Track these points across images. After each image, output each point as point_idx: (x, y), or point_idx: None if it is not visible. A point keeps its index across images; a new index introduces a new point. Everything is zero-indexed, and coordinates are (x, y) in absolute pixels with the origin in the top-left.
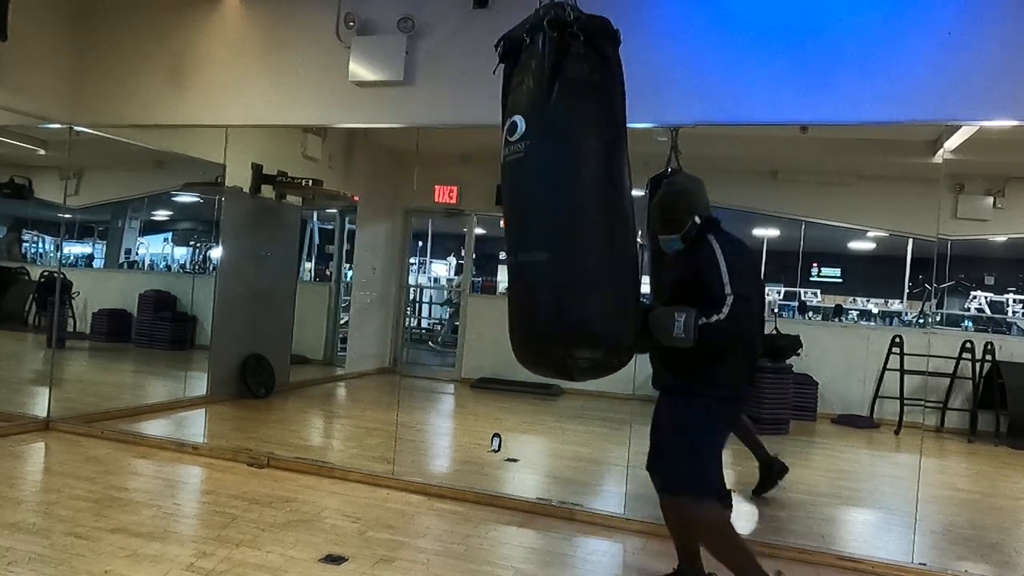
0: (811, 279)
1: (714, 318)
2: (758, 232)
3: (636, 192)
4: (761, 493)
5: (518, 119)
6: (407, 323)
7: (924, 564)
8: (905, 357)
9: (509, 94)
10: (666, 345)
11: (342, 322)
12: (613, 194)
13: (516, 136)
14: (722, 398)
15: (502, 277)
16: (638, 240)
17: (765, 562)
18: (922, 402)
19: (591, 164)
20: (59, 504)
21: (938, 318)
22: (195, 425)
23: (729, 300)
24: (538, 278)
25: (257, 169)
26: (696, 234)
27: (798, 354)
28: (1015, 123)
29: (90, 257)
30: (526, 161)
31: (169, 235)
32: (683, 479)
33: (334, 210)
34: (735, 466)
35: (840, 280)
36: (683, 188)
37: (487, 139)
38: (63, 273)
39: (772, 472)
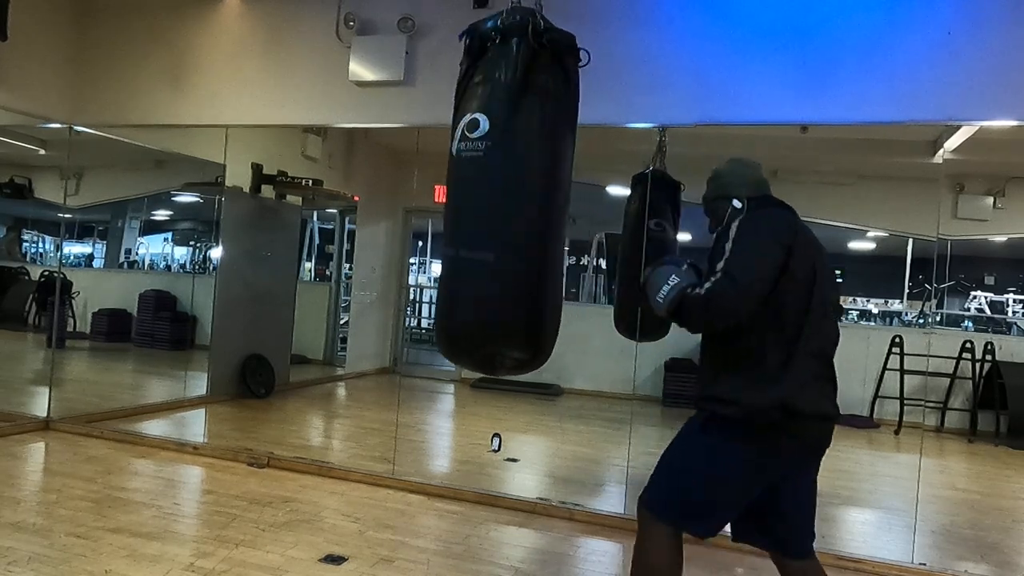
0: None
1: (695, 291)
2: None
3: (622, 190)
4: None
5: (480, 117)
6: (407, 323)
7: (924, 564)
8: (905, 357)
9: (468, 89)
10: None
11: (342, 322)
12: (555, 207)
13: (476, 134)
14: (724, 416)
15: None
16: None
17: (765, 562)
18: (922, 402)
19: (544, 175)
20: (59, 504)
21: (938, 318)
22: (195, 425)
23: (716, 277)
24: (483, 277)
25: (257, 169)
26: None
27: None
28: (1015, 123)
29: (90, 257)
30: (485, 161)
31: (169, 235)
32: (651, 494)
33: (334, 210)
34: None
35: (840, 280)
36: (715, 173)
37: None
38: (63, 273)
39: None
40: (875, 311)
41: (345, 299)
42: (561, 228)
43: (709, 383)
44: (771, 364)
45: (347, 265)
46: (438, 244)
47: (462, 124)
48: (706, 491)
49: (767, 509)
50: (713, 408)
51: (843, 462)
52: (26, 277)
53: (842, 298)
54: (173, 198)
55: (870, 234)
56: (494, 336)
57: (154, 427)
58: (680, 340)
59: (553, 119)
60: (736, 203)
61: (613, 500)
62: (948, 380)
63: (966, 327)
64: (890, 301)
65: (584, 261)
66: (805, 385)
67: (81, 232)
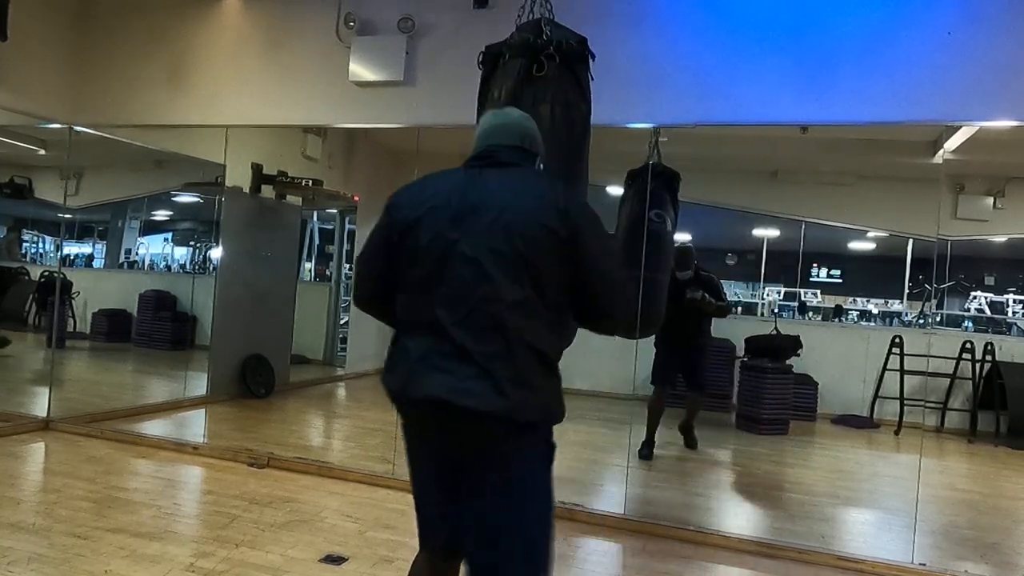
0: (811, 279)
1: None
2: (758, 232)
3: (622, 191)
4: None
5: None
6: None
7: (924, 564)
8: (905, 357)
9: (485, 106)
10: None
11: (342, 322)
12: None
13: None
14: None
15: None
16: None
17: (765, 562)
18: (922, 402)
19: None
20: (59, 504)
21: (938, 318)
22: (195, 425)
23: None
24: None
25: (257, 169)
26: None
27: (798, 354)
28: (1015, 123)
29: (90, 257)
30: None
31: (169, 235)
32: None
33: (334, 210)
34: (735, 466)
35: (840, 280)
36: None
37: None
38: (63, 273)
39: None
40: (875, 311)
41: (345, 299)
42: None
43: None
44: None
45: (347, 265)
46: None
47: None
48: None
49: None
50: None
51: (843, 462)
52: (26, 277)
53: (843, 298)
54: (173, 198)
55: (870, 234)
56: None
57: (154, 427)
58: None
59: (569, 123)
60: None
61: (613, 500)
62: (948, 380)
63: (966, 327)
64: (890, 301)
65: None
66: (397, 362)
67: (81, 232)
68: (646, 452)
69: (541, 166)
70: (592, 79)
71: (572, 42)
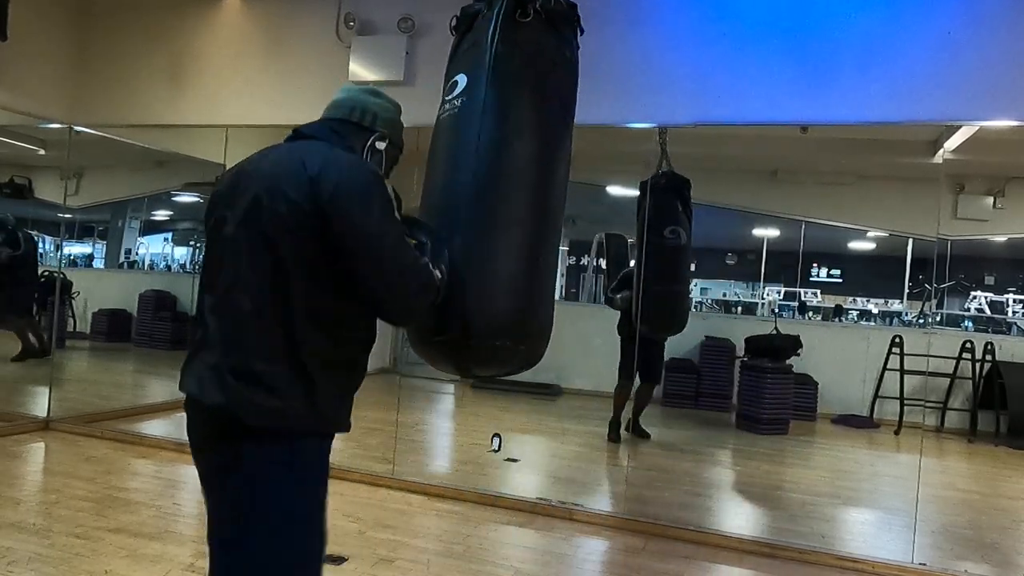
0: (811, 279)
1: None
2: (758, 232)
3: (622, 191)
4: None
5: (460, 77)
6: None
7: (924, 564)
8: (905, 357)
9: (455, 59)
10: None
11: None
12: (539, 178)
13: (454, 93)
14: None
15: None
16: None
17: (765, 562)
18: (922, 402)
19: (523, 140)
20: (59, 504)
21: (938, 318)
22: None
23: None
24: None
25: None
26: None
27: (798, 354)
28: (1015, 123)
29: (90, 257)
30: (460, 112)
31: (169, 235)
32: None
33: None
34: (735, 466)
35: (840, 280)
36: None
37: None
38: (63, 273)
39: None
40: (875, 311)
41: None
42: (549, 201)
43: None
44: None
45: None
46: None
47: (443, 91)
48: None
49: None
50: None
51: (843, 462)
52: None
53: (843, 298)
54: (173, 198)
55: (870, 234)
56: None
57: (154, 427)
58: (680, 340)
59: (544, 85)
60: (379, 144)
61: (613, 500)
62: (948, 380)
63: (966, 327)
64: (890, 301)
65: (584, 261)
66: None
67: (81, 232)
68: (614, 435)
69: (381, 145)
70: (579, 47)
71: (562, 1)
